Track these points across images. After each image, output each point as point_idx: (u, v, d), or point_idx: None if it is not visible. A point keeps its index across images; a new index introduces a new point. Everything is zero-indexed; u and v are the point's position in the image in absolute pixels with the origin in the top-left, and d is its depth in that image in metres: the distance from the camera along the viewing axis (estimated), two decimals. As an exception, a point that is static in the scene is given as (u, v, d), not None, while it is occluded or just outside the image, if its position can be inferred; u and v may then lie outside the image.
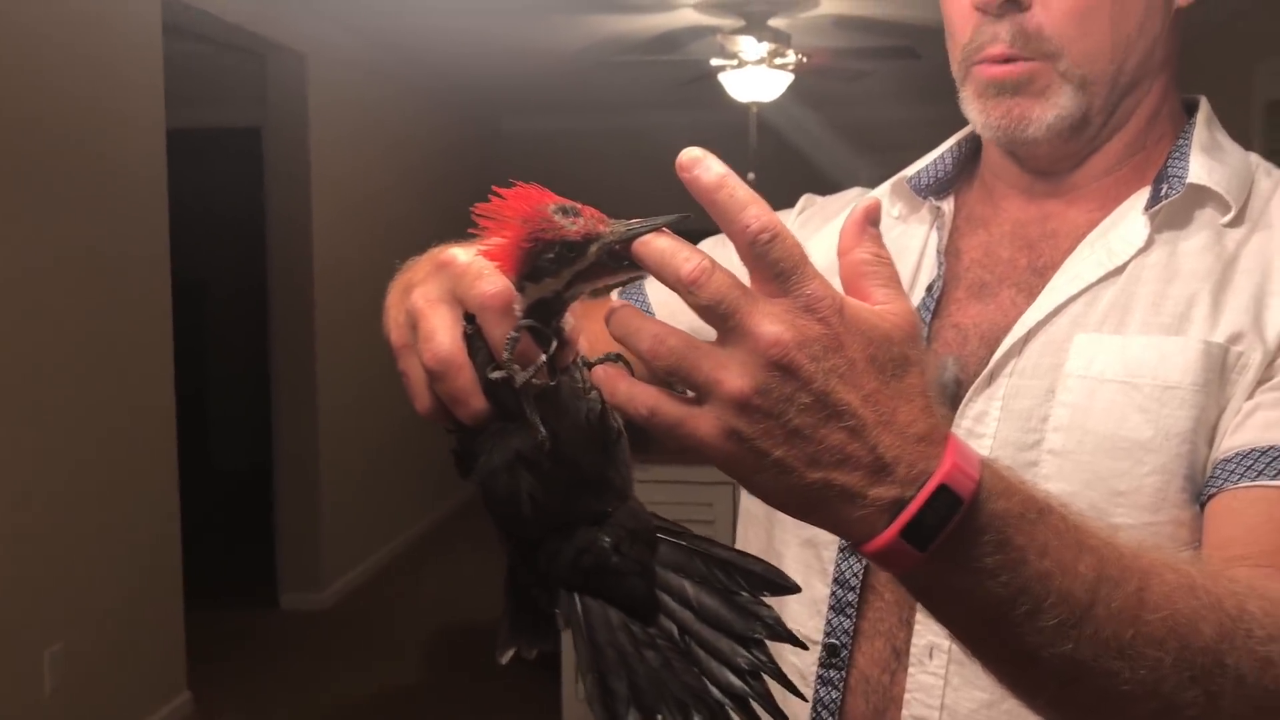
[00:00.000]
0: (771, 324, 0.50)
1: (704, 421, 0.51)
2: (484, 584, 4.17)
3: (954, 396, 0.85)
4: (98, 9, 3.29)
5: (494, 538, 0.62)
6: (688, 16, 4.78)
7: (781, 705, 0.59)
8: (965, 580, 0.54)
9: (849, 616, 0.86)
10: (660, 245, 0.52)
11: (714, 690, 0.58)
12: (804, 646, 0.60)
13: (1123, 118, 0.86)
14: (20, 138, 2.96)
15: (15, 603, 2.93)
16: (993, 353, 0.84)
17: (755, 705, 0.58)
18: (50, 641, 3.07)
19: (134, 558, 3.49)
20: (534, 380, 0.55)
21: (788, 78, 4.93)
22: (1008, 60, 0.83)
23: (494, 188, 0.57)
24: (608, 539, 0.59)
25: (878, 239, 0.55)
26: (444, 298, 0.58)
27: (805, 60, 4.79)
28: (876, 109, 6.35)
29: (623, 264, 0.54)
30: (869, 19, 4.74)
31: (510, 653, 0.64)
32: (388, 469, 5.69)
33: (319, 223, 4.91)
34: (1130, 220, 0.84)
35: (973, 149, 0.97)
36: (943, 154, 0.97)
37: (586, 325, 0.60)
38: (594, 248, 0.54)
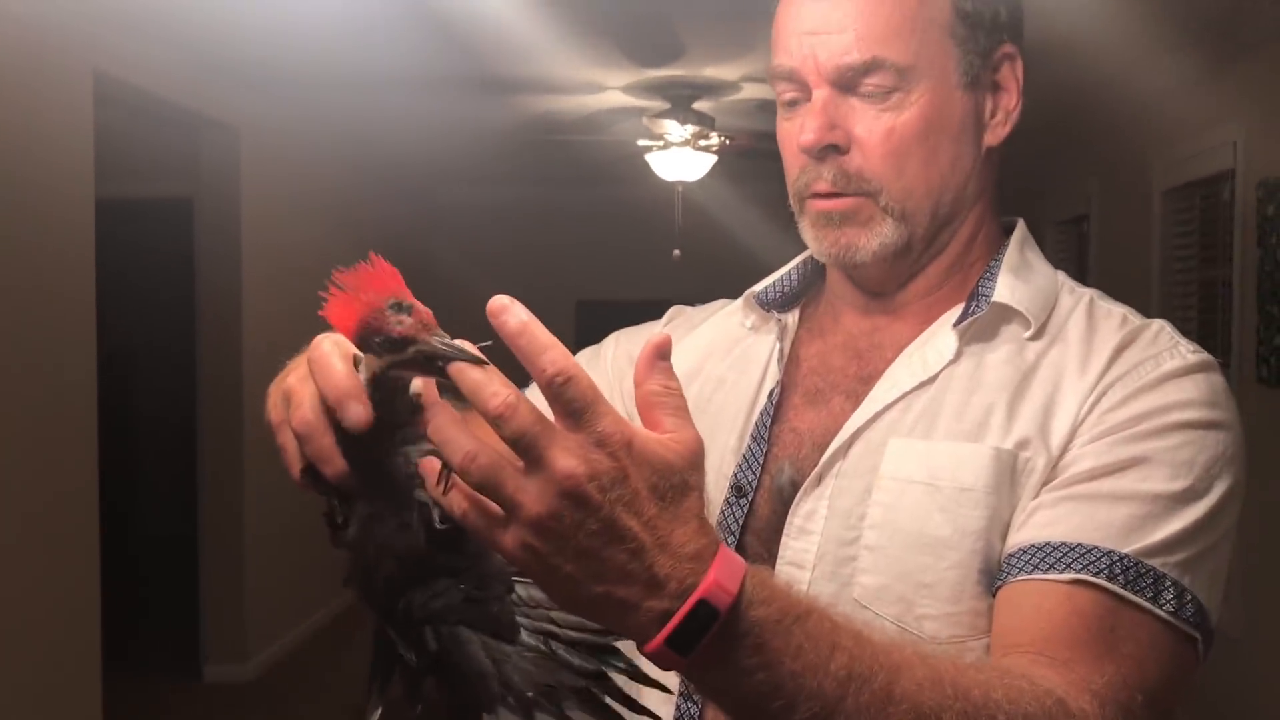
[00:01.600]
0: (566, 458, 0.57)
1: (506, 534, 0.60)
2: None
3: (789, 496, 0.93)
4: (30, 81, 3.34)
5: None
6: (615, 99, 4.93)
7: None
8: (727, 677, 0.62)
9: (696, 703, 0.93)
10: (473, 376, 0.59)
11: (579, 669, 0.67)
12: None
13: (942, 243, 0.96)
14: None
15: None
16: (822, 455, 0.92)
17: (610, 687, 0.67)
18: (-38, 716, 3.02)
19: (51, 626, 3.45)
20: (432, 502, 0.64)
21: (711, 159, 5.10)
22: (834, 195, 0.93)
23: (364, 262, 0.66)
24: (463, 584, 0.68)
25: (668, 371, 0.63)
26: (307, 376, 0.68)
27: (729, 142, 4.96)
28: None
29: (437, 369, 0.62)
30: (789, 103, 4.93)
31: (379, 711, 0.72)
32: (314, 538, 5.63)
33: (249, 294, 4.94)
34: (943, 334, 0.94)
35: (816, 267, 1.07)
36: (788, 272, 1.07)
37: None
38: (412, 349, 0.63)
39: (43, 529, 3.41)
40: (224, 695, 4.79)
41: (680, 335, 1.10)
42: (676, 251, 5.46)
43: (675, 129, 4.88)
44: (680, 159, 5.06)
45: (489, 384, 0.58)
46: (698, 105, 4.84)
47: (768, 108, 5.07)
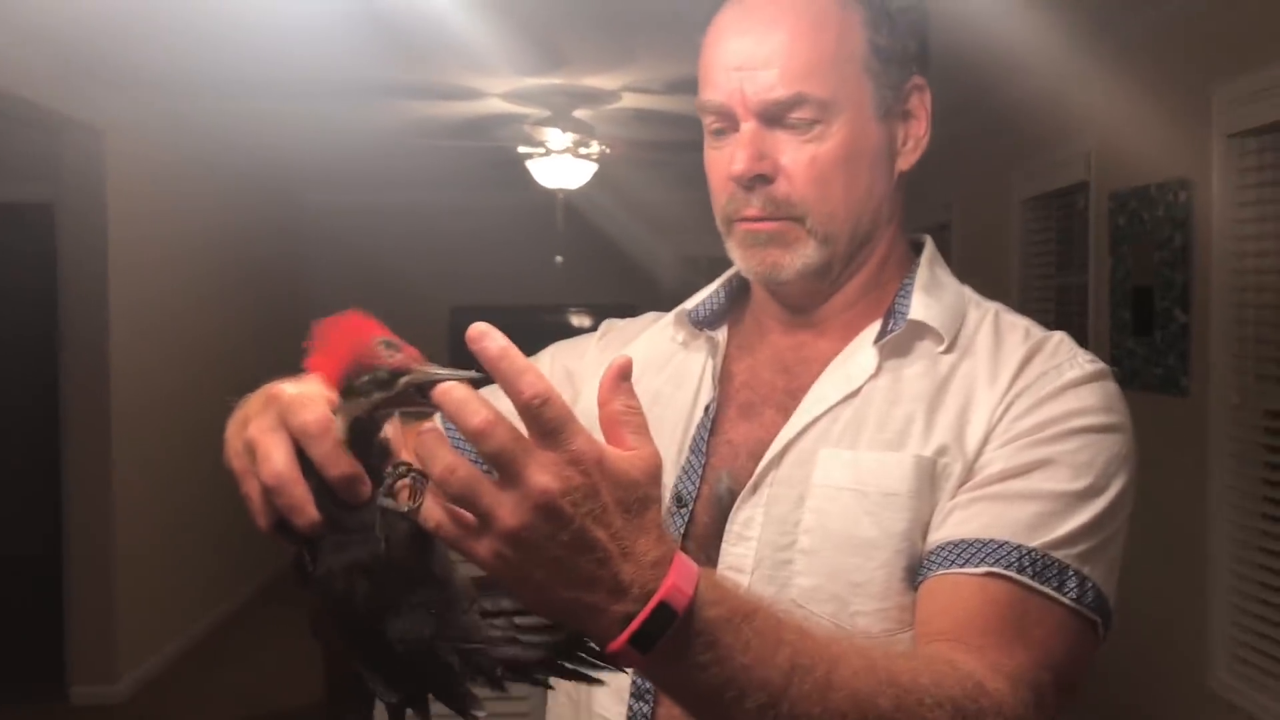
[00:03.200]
0: (541, 474, 0.62)
1: (480, 544, 0.64)
2: (290, 672, 4.10)
3: (727, 504, 0.99)
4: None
5: (303, 626, 0.73)
6: (495, 105, 4.95)
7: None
8: (683, 672, 0.67)
9: (647, 701, 0.98)
10: (456, 396, 0.63)
11: (548, 647, 0.73)
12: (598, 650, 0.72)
13: (860, 262, 1.03)
14: None
15: None
16: (757, 465, 0.98)
17: (580, 655, 0.73)
18: None
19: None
20: (405, 511, 0.67)
21: (592, 166, 5.15)
22: (762, 219, 0.99)
23: (345, 311, 0.69)
24: (436, 609, 0.71)
25: (630, 391, 0.68)
26: (275, 426, 0.69)
27: (608, 150, 5.02)
28: (675, 194, 6.66)
29: (423, 399, 0.66)
30: (666, 113, 5.02)
31: None
32: (187, 553, 5.51)
33: (115, 300, 4.79)
34: (864, 351, 1.00)
35: (742, 284, 1.13)
36: (716, 290, 1.13)
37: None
38: (402, 380, 0.67)
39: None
40: (92, 717, 4.63)
41: (615, 348, 1.14)
42: (559, 257, 5.50)
43: (556, 137, 4.92)
44: (561, 166, 5.10)
45: (470, 402, 0.62)
46: (578, 113, 4.89)
47: (647, 117, 5.15)
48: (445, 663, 0.71)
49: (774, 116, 0.97)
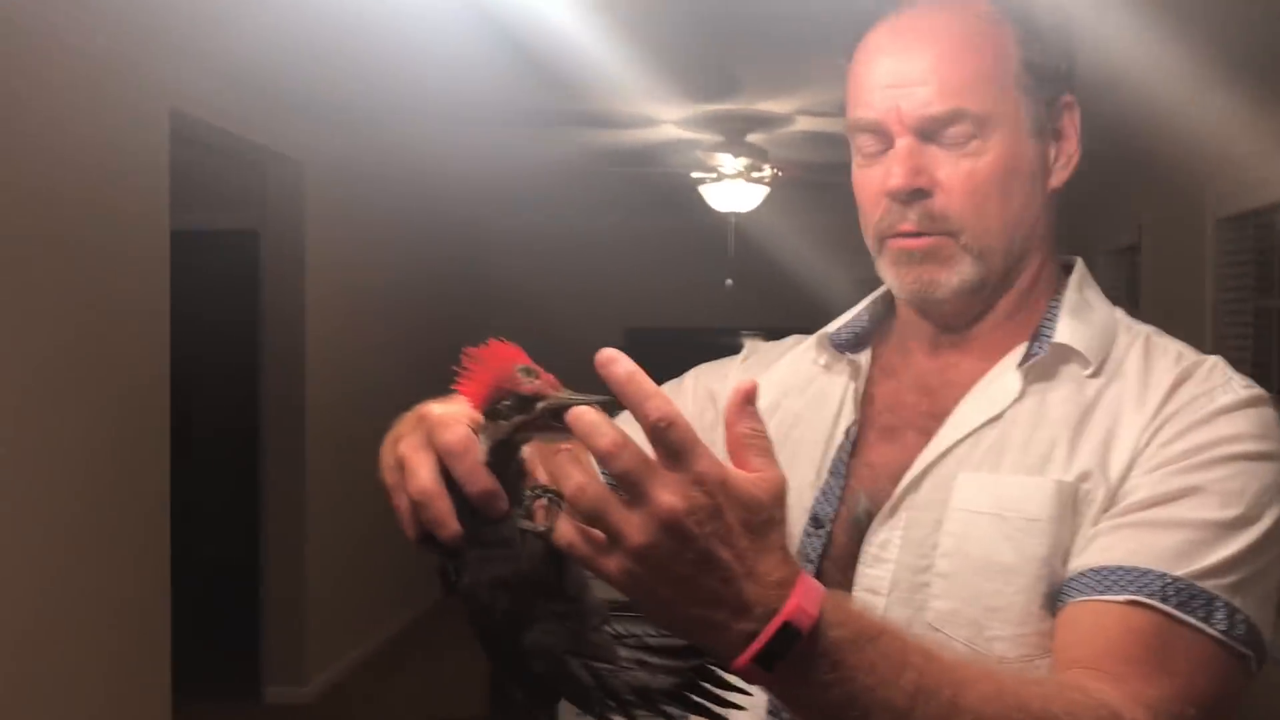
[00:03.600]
0: (668, 494, 0.64)
1: (609, 561, 0.66)
2: (464, 681, 4.23)
3: (865, 526, 0.99)
4: (112, 119, 3.48)
5: (473, 637, 0.78)
6: (669, 132, 5.02)
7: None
8: (808, 691, 0.69)
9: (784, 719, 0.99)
10: (588, 419, 0.65)
11: (673, 679, 0.74)
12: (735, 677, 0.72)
13: (1010, 282, 1.02)
14: (34, 235, 3.11)
15: (4, 684, 3.00)
16: (896, 488, 0.98)
17: (707, 686, 0.74)
18: (41, 729, 3.13)
19: (123, 647, 3.55)
20: (541, 531, 0.71)
21: (764, 190, 5.17)
22: (917, 235, 0.99)
23: (489, 340, 0.74)
24: (567, 623, 0.75)
25: (755, 414, 0.70)
26: (423, 444, 0.74)
27: (780, 174, 5.03)
28: (847, 216, 6.58)
29: (559, 423, 0.69)
30: (839, 135, 4.99)
31: None
32: (373, 564, 5.76)
33: (312, 322, 5.08)
34: (1008, 374, 0.99)
35: (887, 304, 1.13)
36: (859, 312, 1.14)
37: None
38: (539, 405, 0.71)
39: (115, 552, 3.51)
40: (283, 716, 4.88)
41: (757, 372, 1.16)
42: (729, 280, 5.53)
43: (729, 161, 4.96)
44: (733, 190, 5.14)
45: (601, 425, 0.65)
46: (751, 138, 4.92)
47: (819, 140, 5.14)
48: (575, 676, 0.74)
49: (930, 132, 0.97)
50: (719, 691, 0.74)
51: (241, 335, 5.38)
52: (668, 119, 4.84)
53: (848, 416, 1.06)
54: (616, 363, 0.65)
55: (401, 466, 0.74)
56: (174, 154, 3.84)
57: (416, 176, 6.26)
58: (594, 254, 8.16)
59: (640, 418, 0.65)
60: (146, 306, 3.70)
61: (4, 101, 2.98)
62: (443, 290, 7.06)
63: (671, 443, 0.64)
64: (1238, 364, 0.99)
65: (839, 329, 1.13)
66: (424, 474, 0.72)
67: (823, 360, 1.13)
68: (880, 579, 0.96)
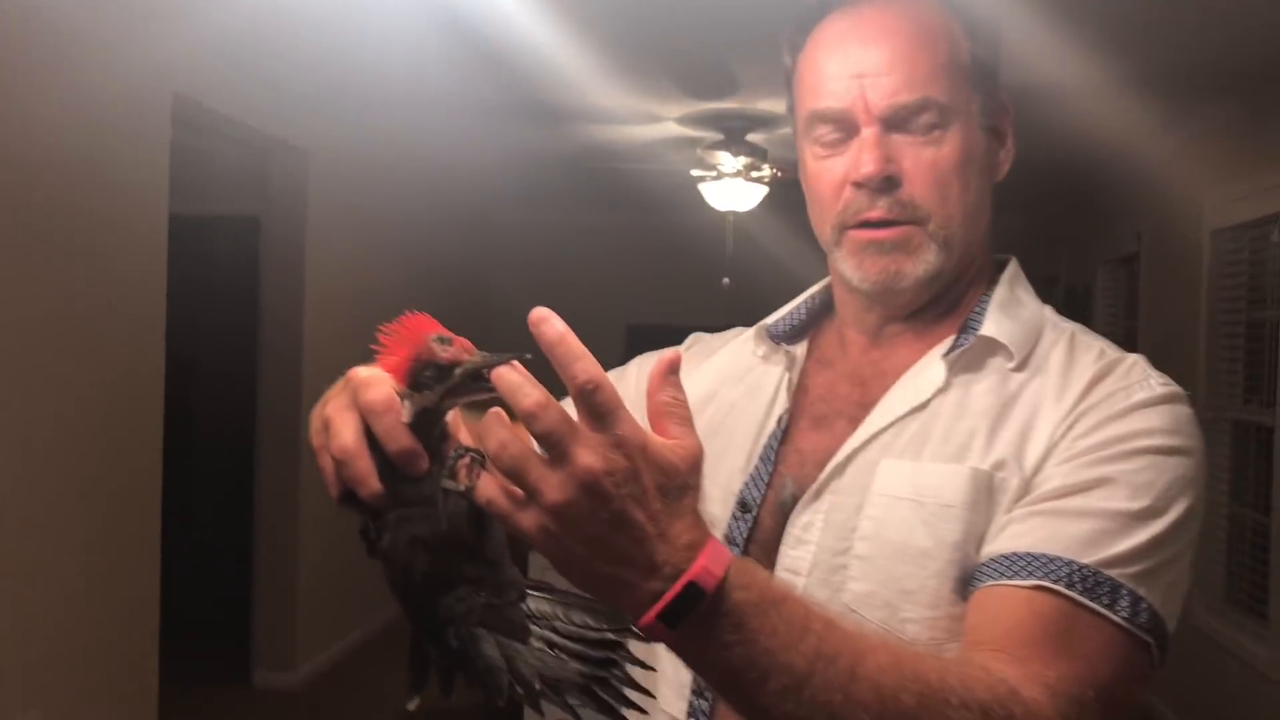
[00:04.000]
0: (587, 455, 0.65)
1: (526, 517, 0.68)
2: (453, 668, 4.27)
3: (789, 510, 1.01)
4: (115, 103, 3.50)
5: (392, 599, 0.79)
6: (670, 130, 5.05)
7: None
8: (709, 651, 0.70)
9: (706, 699, 1.01)
10: (510, 379, 0.67)
11: (579, 669, 0.75)
12: (647, 639, 0.73)
13: (955, 274, 1.04)
14: (32, 218, 3.14)
15: (-3, 667, 3.03)
16: (822, 472, 1.00)
17: (613, 684, 0.75)
18: (27, 707, 3.15)
19: (112, 628, 3.58)
20: (463, 489, 0.72)
21: (763, 190, 5.19)
22: (886, 224, 1.00)
23: (403, 314, 0.75)
24: (485, 590, 0.76)
25: (677, 384, 0.72)
26: (347, 405, 0.75)
27: (780, 174, 5.05)
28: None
29: (482, 386, 0.71)
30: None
31: (416, 700, 0.80)
32: (364, 552, 5.77)
33: (311, 308, 5.10)
34: (933, 365, 1.01)
35: (825, 299, 1.15)
36: (797, 306, 1.16)
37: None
38: (458, 371, 0.72)
39: (105, 537, 3.54)
40: (273, 702, 4.91)
41: (698, 361, 1.19)
42: (726, 279, 5.55)
43: (728, 160, 4.98)
44: (732, 189, 5.16)
45: (524, 385, 0.66)
46: (751, 137, 4.94)
47: (820, 141, 5.15)
48: (485, 654, 0.75)
49: (896, 122, 0.99)
50: (625, 690, 0.75)
51: (240, 322, 5.40)
52: (668, 117, 4.85)
53: (780, 405, 1.08)
54: (548, 322, 0.66)
55: (327, 427, 0.75)
56: (175, 138, 3.86)
57: (419, 169, 6.29)
58: (594, 249, 8.18)
59: (568, 378, 0.66)
60: (144, 291, 3.72)
61: (4, 83, 3.00)
62: (443, 283, 7.08)
63: (596, 405, 0.65)
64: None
65: (777, 321, 1.15)
66: (346, 433, 0.73)
67: (760, 351, 1.15)
68: (801, 560, 0.98)
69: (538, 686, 0.74)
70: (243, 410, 5.32)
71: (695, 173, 5.16)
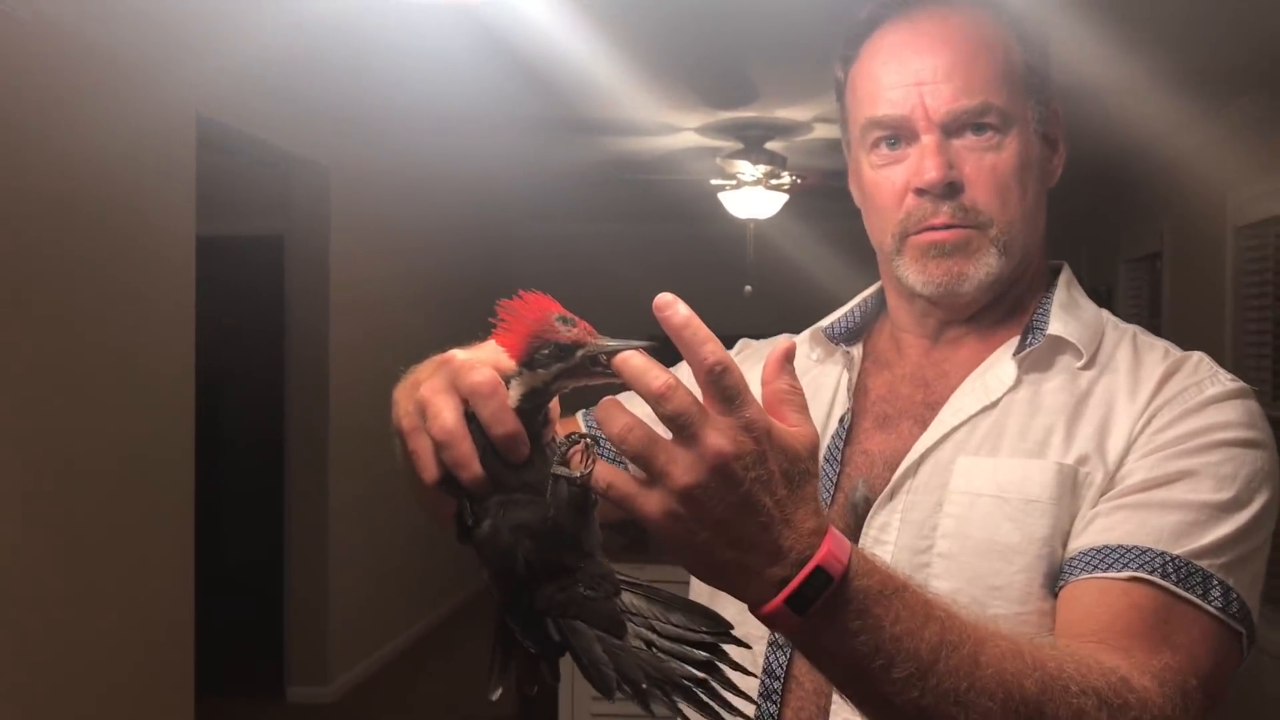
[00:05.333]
0: (717, 437, 0.64)
1: (651, 500, 0.66)
2: (485, 682, 4.27)
3: (863, 511, 1.01)
4: (139, 123, 3.52)
5: (487, 586, 0.78)
6: (690, 139, 5.06)
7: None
8: (834, 639, 0.69)
9: (774, 703, 1.00)
10: (637, 363, 0.66)
11: (680, 671, 0.73)
12: (747, 645, 0.73)
13: (1014, 277, 1.06)
14: (61, 240, 3.17)
15: (32, 683, 3.06)
16: (894, 474, 1.01)
17: (714, 685, 0.73)
18: (67, 724, 3.18)
19: (148, 645, 3.60)
20: (578, 476, 0.71)
21: (783, 197, 5.19)
22: (949, 228, 1.01)
23: (519, 291, 0.74)
24: (581, 582, 0.75)
25: (793, 374, 0.71)
26: (445, 388, 0.73)
27: (799, 181, 5.06)
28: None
29: (599, 370, 0.70)
30: (860, 142, 5.01)
31: (499, 691, 0.79)
32: (395, 565, 5.81)
33: (336, 326, 5.13)
34: (1003, 363, 1.03)
35: (879, 301, 1.17)
36: (852, 309, 1.17)
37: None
38: (580, 353, 0.71)
39: (140, 554, 3.56)
40: (306, 716, 4.94)
41: (750, 366, 1.18)
42: (748, 287, 5.56)
43: (748, 169, 4.99)
44: (752, 198, 5.17)
45: (651, 369, 0.65)
46: (770, 145, 4.95)
47: (838, 146, 5.15)
48: (589, 649, 0.73)
49: (956, 127, 1.01)
50: (725, 693, 0.73)
51: (266, 339, 5.45)
52: (687, 126, 4.87)
53: (841, 405, 1.09)
54: (672, 307, 0.65)
55: (422, 410, 0.73)
56: (200, 159, 3.90)
57: (440, 182, 6.32)
58: (615, 260, 8.19)
59: (696, 361, 0.65)
60: (172, 312, 3.75)
61: (31, 106, 3.04)
62: (465, 296, 7.11)
63: (725, 387, 0.65)
64: (1257, 370, 1.02)
65: (833, 323, 1.16)
66: (448, 414, 0.72)
67: (816, 354, 1.16)
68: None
69: (644, 685, 0.72)
70: (271, 427, 5.36)
71: (715, 182, 5.17)
